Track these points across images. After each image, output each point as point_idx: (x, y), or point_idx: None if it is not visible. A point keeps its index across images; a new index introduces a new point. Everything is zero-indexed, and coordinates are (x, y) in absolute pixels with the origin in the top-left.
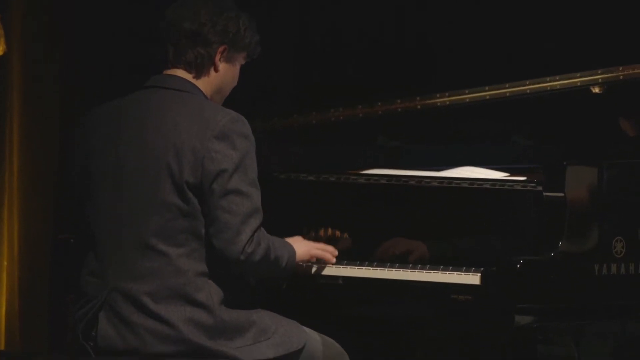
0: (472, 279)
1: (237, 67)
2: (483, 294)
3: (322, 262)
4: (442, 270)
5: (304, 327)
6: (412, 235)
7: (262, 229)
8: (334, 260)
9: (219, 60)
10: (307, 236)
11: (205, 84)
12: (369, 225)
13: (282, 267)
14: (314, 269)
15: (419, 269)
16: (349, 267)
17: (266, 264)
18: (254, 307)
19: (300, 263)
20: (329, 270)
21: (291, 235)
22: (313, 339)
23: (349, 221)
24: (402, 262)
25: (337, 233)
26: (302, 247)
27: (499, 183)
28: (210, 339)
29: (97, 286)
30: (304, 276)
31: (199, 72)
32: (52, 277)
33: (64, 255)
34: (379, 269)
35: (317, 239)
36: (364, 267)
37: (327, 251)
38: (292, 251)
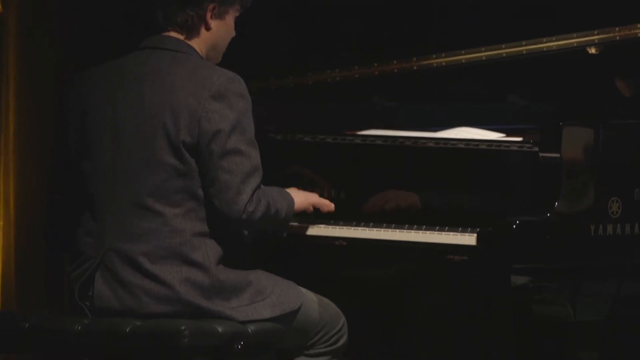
0: (468, 239)
1: (231, 20)
2: (479, 255)
3: (319, 223)
4: (438, 230)
5: (301, 288)
6: (408, 196)
7: (262, 186)
8: (332, 207)
9: (210, 18)
10: None
11: (199, 43)
12: (365, 186)
13: (281, 218)
14: (309, 230)
15: (415, 229)
16: (345, 227)
17: (267, 220)
18: (251, 267)
19: (300, 210)
20: (324, 231)
21: None
22: (309, 299)
23: (345, 182)
24: (398, 222)
25: (333, 193)
26: (300, 196)
27: (495, 144)
28: (206, 299)
29: (93, 246)
30: (299, 236)
31: (191, 33)
32: (48, 237)
33: (59, 215)
34: (375, 229)
35: None
36: (359, 228)
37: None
38: (291, 200)
